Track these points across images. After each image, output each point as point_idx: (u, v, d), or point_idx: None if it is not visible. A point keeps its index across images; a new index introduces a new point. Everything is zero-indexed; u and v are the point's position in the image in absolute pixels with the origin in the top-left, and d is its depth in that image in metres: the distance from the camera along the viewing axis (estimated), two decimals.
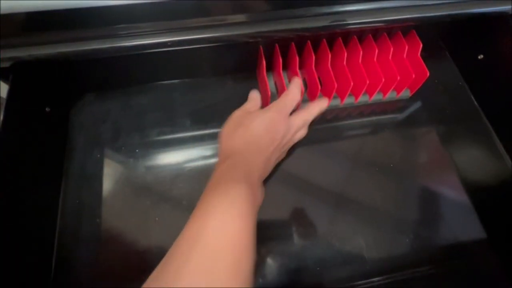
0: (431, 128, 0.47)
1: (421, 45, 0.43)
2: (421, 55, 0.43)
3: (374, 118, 0.47)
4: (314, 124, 0.46)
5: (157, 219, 0.39)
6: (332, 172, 0.43)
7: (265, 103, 0.46)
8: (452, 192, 0.42)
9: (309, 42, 0.43)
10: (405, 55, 0.43)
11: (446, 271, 0.38)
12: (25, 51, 0.34)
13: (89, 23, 0.34)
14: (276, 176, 0.42)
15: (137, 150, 0.43)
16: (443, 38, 0.53)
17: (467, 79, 0.50)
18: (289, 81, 0.47)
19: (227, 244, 0.25)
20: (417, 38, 0.43)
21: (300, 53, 0.45)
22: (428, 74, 0.42)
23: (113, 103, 0.46)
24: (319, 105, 0.42)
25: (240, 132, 0.36)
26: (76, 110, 0.45)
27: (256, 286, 0.36)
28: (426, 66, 0.42)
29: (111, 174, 0.41)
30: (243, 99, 0.47)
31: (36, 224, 0.36)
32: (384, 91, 0.46)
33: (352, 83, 0.41)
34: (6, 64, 0.35)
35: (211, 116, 0.45)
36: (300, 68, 0.43)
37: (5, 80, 0.36)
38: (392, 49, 0.42)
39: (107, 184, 0.41)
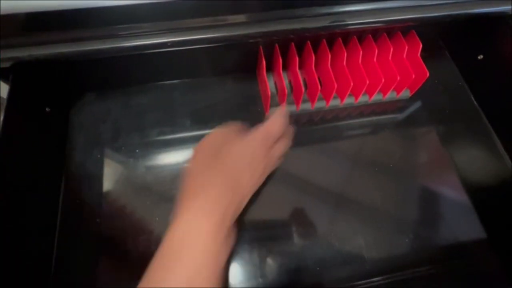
0: (431, 128, 0.47)
1: (421, 45, 0.43)
2: (421, 55, 0.43)
3: (374, 118, 0.47)
4: (314, 124, 0.46)
5: (157, 219, 0.39)
6: (332, 172, 0.43)
7: (265, 103, 0.46)
8: (452, 192, 0.42)
9: (309, 42, 0.43)
10: (405, 55, 0.43)
11: (446, 271, 0.38)
12: (25, 51, 0.34)
13: (89, 24, 0.34)
14: (276, 176, 0.42)
15: (137, 150, 0.43)
16: (443, 38, 0.53)
17: (467, 79, 0.50)
18: (289, 81, 0.47)
19: None
20: (417, 38, 0.43)
21: (300, 53, 0.45)
22: (428, 74, 0.42)
23: (113, 103, 0.46)
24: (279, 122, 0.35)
25: (217, 164, 0.30)
26: (76, 110, 0.45)
27: (256, 286, 0.36)
28: (426, 66, 0.42)
29: (111, 174, 0.41)
30: (243, 99, 0.47)
31: (36, 224, 0.36)
32: (384, 91, 0.46)
33: (352, 83, 0.41)
34: (6, 64, 0.35)
35: (211, 116, 0.45)
36: (300, 68, 0.43)
37: (5, 80, 0.36)
38: (392, 49, 0.43)
39: (107, 184, 0.41)
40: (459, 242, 0.40)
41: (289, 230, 0.39)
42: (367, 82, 0.41)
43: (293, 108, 0.45)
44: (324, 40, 0.43)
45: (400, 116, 0.48)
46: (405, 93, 0.47)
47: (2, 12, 0.30)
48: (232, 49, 0.44)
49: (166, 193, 0.40)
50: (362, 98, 0.46)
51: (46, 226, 0.37)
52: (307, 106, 0.46)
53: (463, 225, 0.40)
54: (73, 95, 0.46)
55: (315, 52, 0.44)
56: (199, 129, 0.45)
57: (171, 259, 0.26)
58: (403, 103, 0.48)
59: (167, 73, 0.47)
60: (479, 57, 0.47)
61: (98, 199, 0.40)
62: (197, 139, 0.44)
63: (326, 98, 0.45)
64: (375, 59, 0.43)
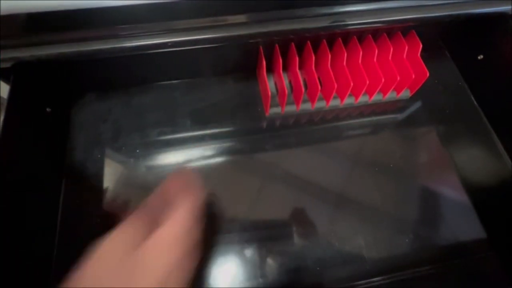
0: (431, 128, 0.47)
1: (421, 46, 0.43)
2: (421, 55, 0.43)
3: (374, 118, 0.47)
4: (315, 124, 0.46)
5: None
6: (332, 172, 0.43)
7: (265, 103, 0.46)
8: (452, 192, 0.42)
9: (309, 42, 0.43)
10: (405, 55, 0.43)
11: (446, 271, 0.38)
12: (26, 51, 0.35)
13: (89, 24, 0.34)
14: (276, 176, 0.42)
15: (137, 150, 0.43)
16: (443, 38, 0.53)
17: (467, 79, 0.50)
18: (290, 81, 0.47)
19: None
20: (417, 38, 0.43)
21: (300, 53, 0.45)
22: (428, 74, 0.42)
23: (113, 103, 0.46)
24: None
25: None
26: (76, 110, 0.45)
27: (256, 286, 0.36)
28: (426, 66, 0.42)
29: (111, 174, 0.41)
30: (243, 99, 0.47)
31: (37, 224, 0.36)
32: (384, 91, 0.46)
33: (352, 84, 0.41)
34: (7, 64, 0.35)
35: (211, 116, 0.45)
36: (300, 68, 0.43)
37: (6, 80, 0.36)
38: (392, 49, 0.43)
39: (108, 184, 0.41)
40: (459, 242, 0.40)
41: (289, 230, 0.39)
42: (367, 82, 0.41)
43: (293, 108, 0.46)
44: (324, 40, 0.43)
45: (400, 116, 0.48)
46: (405, 93, 0.47)
47: (3, 12, 0.30)
48: (232, 49, 0.44)
49: None
50: (362, 98, 0.46)
51: (46, 226, 0.38)
52: (307, 106, 0.46)
53: (463, 225, 0.40)
54: (73, 95, 0.46)
55: (315, 52, 0.44)
56: (200, 129, 0.45)
57: None
58: (403, 103, 0.48)
59: (168, 73, 0.47)
60: (479, 57, 0.47)
61: (98, 199, 0.40)
62: (197, 139, 0.44)
63: (326, 98, 0.45)
64: (375, 59, 0.43)
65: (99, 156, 0.42)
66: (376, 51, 0.42)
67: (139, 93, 0.47)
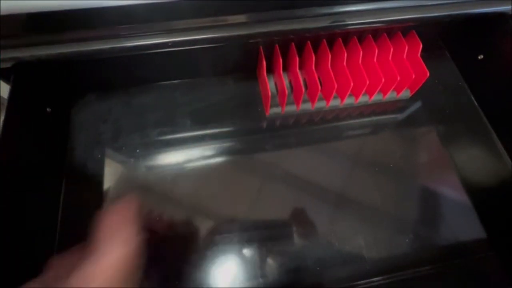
0: (431, 128, 0.47)
1: (421, 45, 0.43)
2: (421, 55, 0.43)
3: (374, 118, 0.47)
4: (315, 124, 0.46)
5: (157, 219, 0.39)
6: (332, 172, 0.43)
7: (265, 103, 0.46)
8: (452, 192, 0.42)
9: (309, 42, 0.43)
10: (405, 55, 0.43)
11: (446, 271, 0.38)
12: (27, 51, 0.35)
13: (89, 24, 0.34)
14: (276, 176, 0.42)
15: (137, 150, 0.43)
16: (443, 38, 0.53)
17: (467, 79, 0.50)
18: (290, 81, 0.47)
19: None
20: (417, 38, 0.43)
21: (300, 53, 0.45)
22: (428, 74, 0.42)
23: (114, 103, 0.46)
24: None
25: None
26: (77, 110, 0.45)
27: (256, 286, 0.36)
28: (426, 66, 0.42)
29: (112, 174, 0.41)
30: (244, 99, 0.47)
31: (37, 223, 0.36)
32: (384, 91, 0.46)
33: (352, 84, 0.41)
34: (7, 65, 0.35)
35: (211, 116, 0.46)
36: (300, 68, 0.43)
37: (6, 80, 0.36)
38: (392, 49, 0.43)
39: (108, 184, 0.41)
40: (459, 242, 0.40)
41: (289, 230, 0.39)
42: (367, 82, 0.42)
43: (294, 108, 0.46)
44: (324, 40, 0.43)
45: (400, 116, 0.48)
46: (405, 93, 0.47)
47: (3, 12, 0.30)
48: (232, 49, 0.44)
49: (167, 193, 0.41)
50: (362, 98, 0.46)
51: (47, 226, 0.38)
52: (307, 106, 0.46)
53: (463, 225, 0.40)
54: (74, 95, 0.46)
55: (315, 52, 0.44)
56: (200, 129, 0.45)
57: None
58: (403, 103, 0.48)
59: (168, 73, 0.47)
60: (479, 57, 0.47)
61: (99, 199, 0.40)
62: (197, 139, 0.44)
63: (326, 98, 0.45)
64: (375, 59, 0.43)
65: (99, 156, 0.42)
66: (376, 51, 0.42)
67: (139, 93, 0.47)
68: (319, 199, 0.41)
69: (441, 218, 0.41)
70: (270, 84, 0.47)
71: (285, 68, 0.47)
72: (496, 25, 0.44)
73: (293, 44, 0.43)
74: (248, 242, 0.38)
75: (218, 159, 0.43)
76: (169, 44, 0.37)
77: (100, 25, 0.34)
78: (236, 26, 0.37)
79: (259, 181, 0.42)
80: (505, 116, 0.45)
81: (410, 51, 0.43)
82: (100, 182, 0.41)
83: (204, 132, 0.45)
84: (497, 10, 0.42)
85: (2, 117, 0.33)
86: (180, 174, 0.42)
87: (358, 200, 0.41)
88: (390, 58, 0.43)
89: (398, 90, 0.46)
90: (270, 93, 0.43)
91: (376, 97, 0.47)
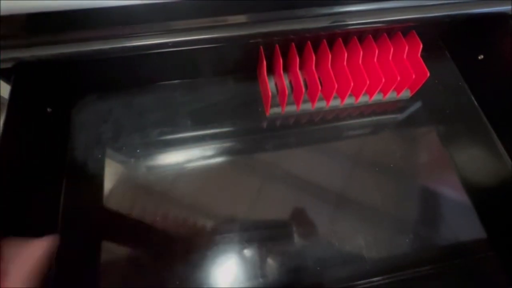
0: (431, 128, 0.47)
1: (421, 46, 0.43)
2: (421, 55, 0.43)
3: (374, 118, 0.47)
4: (315, 124, 0.46)
5: (158, 218, 0.39)
6: (333, 172, 0.43)
7: (266, 103, 0.46)
8: (452, 192, 0.42)
9: (309, 42, 0.43)
10: (405, 56, 0.43)
11: (446, 271, 0.38)
12: (27, 51, 0.35)
13: (90, 24, 0.34)
14: (276, 176, 0.42)
15: (138, 150, 0.43)
16: (443, 38, 0.53)
17: (467, 79, 0.50)
18: (290, 81, 0.47)
19: None
20: (417, 38, 0.43)
21: (301, 53, 0.45)
22: (428, 74, 0.42)
23: (114, 103, 0.46)
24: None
25: None
26: (77, 110, 0.45)
27: (257, 286, 0.36)
28: (426, 66, 0.42)
29: (112, 174, 0.41)
30: (244, 99, 0.47)
31: (37, 223, 0.36)
32: (384, 91, 0.46)
33: (352, 84, 0.41)
34: (8, 65, 0.35)
35: (212, 116, 0.46)
36: (300, 68, 0.43)
37: (7, 80, 0.36)
38: (392, 49, 0.43)
39: (108, 183, 0.41)
40: (459, 242, 0.40)
41: (289, 230, 0.39)
42: (368, 82, 0.42)
43: (294, 108, 0.46)
44: (325, 41, 0.43)
45: (400, 116, 0.48)
46: (406, 93, 0.47)
47: (4, 13, 0.30)
48: (232, 49, 0.44)
49: (167, 192, 0.41)
50: (363, 98, 0.46)
51: (47, 225, 0.38)
52: (307, 106, 0.46)
53: (463, 225, 0.40)
54: (74, 95, 0.46)
55: (316, 52, 0.44)
56: (200, 129, 0.45)
57: None
58: (404, 103, 0.48)
59: (168, 73, 0.47)
60: (479, 57, 0.47)
61: (99, 198, 0.40)
62: (198, 139, 0.44)
63: (327, 98, 0.45)
64: (375, 59, 0.43)
65: (99, 156, 0.42)
66: (377, 51, 0.42)
67: (139, 93, 0.47)
68: (319, 199, 0.41)
69: (441, 218, 0.41)
70: (270, 84, 0.47)
71: (286, 68, 0.47)
72: (496, 25, 0.44)
73: (293, 44, 0.43)
74: (248, 242, 0.38)
75: (218, 159, 0.43)
76: (170, 44, 0.37)
77: (100, 25, 0.34)
78: (237, 26, 0.37)
79: (259, 181, 0.42)
80: (505, 116, 0.45)
81: (410, 51, 0.43)
82: (100, 182, 0.41)
83: (204, 132, 0.45)
84: (497, 10, 0.42)
85: (3, 117, 0.33)
86: (180, 174, 0.42)
87: (358, 200, 0.41)
88: (390, 58, 0.43)
89: (398, 90, 0.46)
90: (270, 93, 0.43)
91: (376, 97, 0.47)
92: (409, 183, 0.43)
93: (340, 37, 0.43)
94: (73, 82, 0.45)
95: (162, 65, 0.45)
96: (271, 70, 0.47)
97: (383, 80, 0.42)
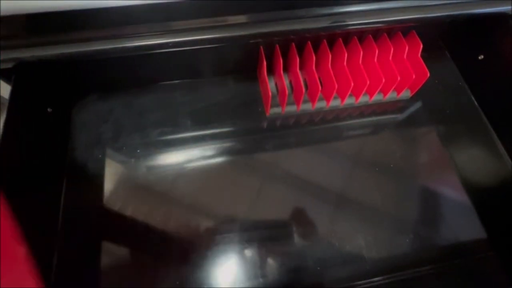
0: (431, 128, 0.47)
1: (421, 46, 0.43)
2: (421, 55, 0.43)
3: (374, 118, 0.47)
4: (315, 124, 0.46)
5: (158, 218, 0.39)
6: (332, 172, 0.43)
7: (266, 103, 0.46)
8: (452, 192, 0.42)
9: (309, 42, 0.43)
10: (405, 56, 0.43)
11: (446, 271, 0.38)
12: (27, 52, 0.35)
13: (90, 24, 0.34)
14: (276, 176, 0.42)
15: (138, 150, 0.43)
16: (443, 38, 0.53)
17: (467, 79, 0.50)
18: (290, 81, 0.47)
19: None
20: (417, 38, 0.43)
21: (301, 53, 0.45)
22: (428, 74, 0.42)
23: (114, 103, 0.46)
24: None
25: None
26: (78, 110, 0.45)
27: (257, 286, 0.36)
28: (426, 66, 0.42)
29: (112, 173, 0.41)
30: (244, 99, 0.47)
31: (38, 223, 0.36)
32: (384, 91, 0.46)
33: (352, 84, 0.41)
34: (8, 65, 0.35)
35: (212, 116, 0.46)
36: (300, 68, 0.43)
37: (8, 80, 0.36)
38: (392, 49, 0.43)
39: (109, 183, 0.41)
40: (459, 242, 0.40)
41: (289, 230, 0.39)
42: (368, 82, 0.42)
43: (294, 108, 0.46)
44: (325, 41, 0.43)
45: (400, 116, 0.48)
46: (406, 93, 0.47)
47: (4, 13, 0.30)
48: (233, 49, 0.44)
49: (168, 192, 0.41)
50: (363, 99, 0.46)
51: (48, 225, 0.38)
52: (307, 106, 0.46)
53: (463, 225, 0.40)
54: (75, 95, 0.46)
55: (316, 52, 0.44)
56: (200, 129, 0.45)
57: None
58: (404, 103, 0.48)
59: (169, 74, 0.47)
60: (479, 57, 0.47)
61: (99, 198, 0.40)
62: (198, 139, 0.44)
63: (327, 98, 0.45)
64: (375, 59, 0.43)
65: (100, 156, 0.42)
66: (377, 51, 0.42)
67: (140, 94, 0.47)
68: (319, 199, 0.41)
69: (441, 218, 0.41)
70: (270, 84, 0.47)
71: (286, 68, 0.47)
72: (496, 25, 0.44)
73: (293, 44, 0.43)
74: (248, 242, 0.38)
75: (219, 159, 0.43)
76: (170, 44, 0.37)
77: (100, 25, 0.34)
78: (237, 26, 0.37)
79: (259, 181, 0.42)
80: (505, 116, 0.45)
81: (411, 51, 0.43)
82: (100, 182, 0.41)
83: (204, 132, 0.45)
84: (497, 10, 0.42)
85: (3, 117, 0.33)
86: (180, 174, 0.42)
87: (358, 200, 0.41)
88: (390, 58, 0.43)
89: (398, 90, 0.46)
90: (270, 93, 0.43)
91: (377, 97, 0.47)
92: (409, 183, 0.43)
93: (340, 37, 0.43)
94: (74, 82, 0.45)
95: (162, 65, 0.45)
96: (271, 70, 0.47)
97: (383, 80, 0.42)
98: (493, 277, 0.39)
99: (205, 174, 0.42)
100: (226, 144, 0.44)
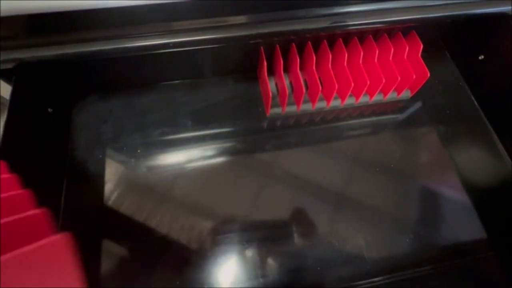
0: (431, 128, 0.47)
1: (421, 46, 0.43)
2: (421, 55, 0.43)
3: (374, 118, 0.47)
4: (315, 124, 0.46)
5: (158, 219, 0.39)
6: (333, 172, 0.43)
7: (266, 103, 0.46)
8: (452, 192, 0.42)
9: (309, 43, 0.43)
10: (405, 56, 0.43)
11: (446, 271, 0.38)
12: (28, 52, 0.35)
13: (90, 25, 0.34)
14: (276, 176, 0.42)
15: (138, 150, 0.43)
16: (443, 39, 0.53)
17: (467, 79, 0.50)
18: (290, 81, 0.47)
19: None
20: (418, 38, 0.43)
21: (301, 54, 0.45)
22: (428, 74, 0.42)
23: (115, 104, 0.46)
24: None
25: None
26: (78, 110, 0.45)
27: (257, 286, 0.36)
28: (427, 66, 0.42)
29: (112, 174, 0.41)
30: (244, 99, 0.47)
31: None
32: (384, 91, 0.46)
33: (352, 84, 0.41)
34: (9, 65, 0.35)
35: (212, 117, 0.46)
36: (300, 69, 0.43)
37: (8, 81, 0.36)
38: (392, 49, 0.43)
39: (109, 183, 0.41)
40: (459, 242, 0.40)
41: (289, 230, 0.39)
42: (368, 82, 0.42)
43: (294, 108, 0.46)
44: (325, 41, 0.43)
45: (400, 116, 0.48)
46: (406, 94, 0.48)
47: (5, 14, 0.30)
48: (233, 50, 0.44)
49: (168, 193, 0.41)
50: (363, 99, 0.46)
51: None
52: (307, 106, 0.46)
53: (463, 225, 0.41)
54: (75, 96, 0.46)
55: (316, 52, 0.44)
56: (200, 129, 0.45)
57: None
58: (404, 103, 0.48)
59: (169, 74, 0.47)
60: (479, 57, 0.47)
61: (100, 198, 0.40)
62: (198, 139, 0.44)
63: (327, 98, 0.45)
64: (375, 60, 0.43)
65: (100, 156, 0.42)
66: (377, 52, 0.42)
67: (140, 94, 0.47)
68: (319, 199, 0.41)
69: (441, 218, 0.41)
70: (270, 85, 0.47)
71: (286, 69, 0.47)
72: (497, 25, 0.44)
73: (293, 44, 0.43)
74: (248, 242, 0.38)
75: (219, 159, 0.43)
76: (170, 44, 0.37)
77: (101, 26, 0.35)
78: (237, 27, 0.37)
79: (259, 181, 0.42)
80: (505, 116, 0.45)
81: (411, 52, 0.43)
82: (101, 182, 0.41)
83: (204, 132, 0.45)
84: (497, 10, 0.42)
85: (4, 118, 0.33)
86: (180, 174, 0.42)
87: (359, 200, 0.41)
88: (390, 58, 0.43)
89: (398, 90, 0.46)
90: (270, 94, 0.43)
91: (377, 97, 0.47)
92: (409, 183, 0.43)
93: (340, 38, 0.43)
94: (74, 82, 0.45)
95: (163, 65, 0.45)
96: (271, 71, 0.47)
97: (384, 80, 0.42)
98: (493, 277, 0.39)
99: (206, 174, 0.42)
100: (226, 144, 0.44)
